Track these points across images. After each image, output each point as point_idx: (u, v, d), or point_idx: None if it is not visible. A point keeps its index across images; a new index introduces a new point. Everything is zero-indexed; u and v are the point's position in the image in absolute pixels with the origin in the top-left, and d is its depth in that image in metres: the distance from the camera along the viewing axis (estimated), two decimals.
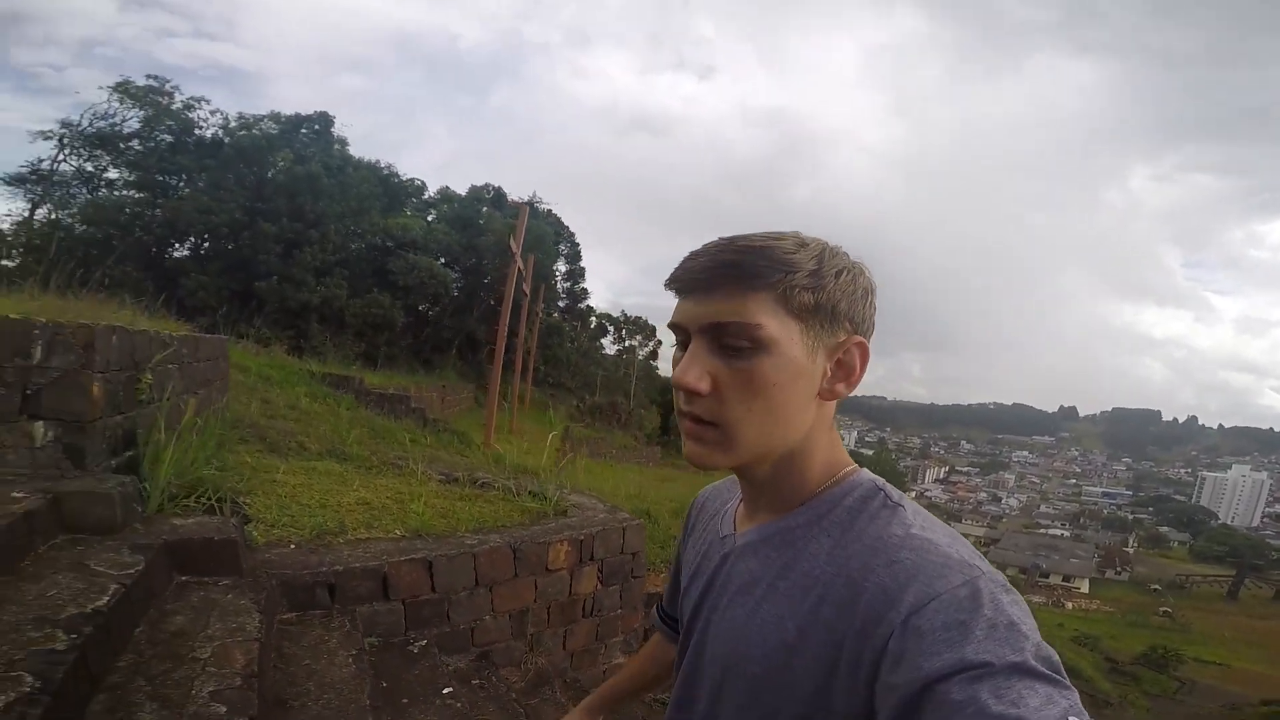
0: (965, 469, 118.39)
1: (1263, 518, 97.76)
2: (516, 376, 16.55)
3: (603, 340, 31.93)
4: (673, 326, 0.69)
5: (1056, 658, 0.52)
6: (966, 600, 0.55)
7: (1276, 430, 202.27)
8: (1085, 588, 46.89)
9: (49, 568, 1.44)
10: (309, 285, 15.93)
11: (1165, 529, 78.67)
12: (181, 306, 12.53)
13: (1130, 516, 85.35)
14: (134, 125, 15.84)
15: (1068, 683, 0.51)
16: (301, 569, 2.08)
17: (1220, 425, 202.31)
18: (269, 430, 4.22)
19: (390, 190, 19.61)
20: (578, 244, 26.46)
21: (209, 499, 2.18)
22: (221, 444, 3.16)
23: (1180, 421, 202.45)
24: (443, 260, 19.17)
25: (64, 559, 1.50)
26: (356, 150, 19.21)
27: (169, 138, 16.07)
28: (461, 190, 22.54)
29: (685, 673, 0.78)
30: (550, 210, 22.81)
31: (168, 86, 16.18)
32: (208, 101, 17.05)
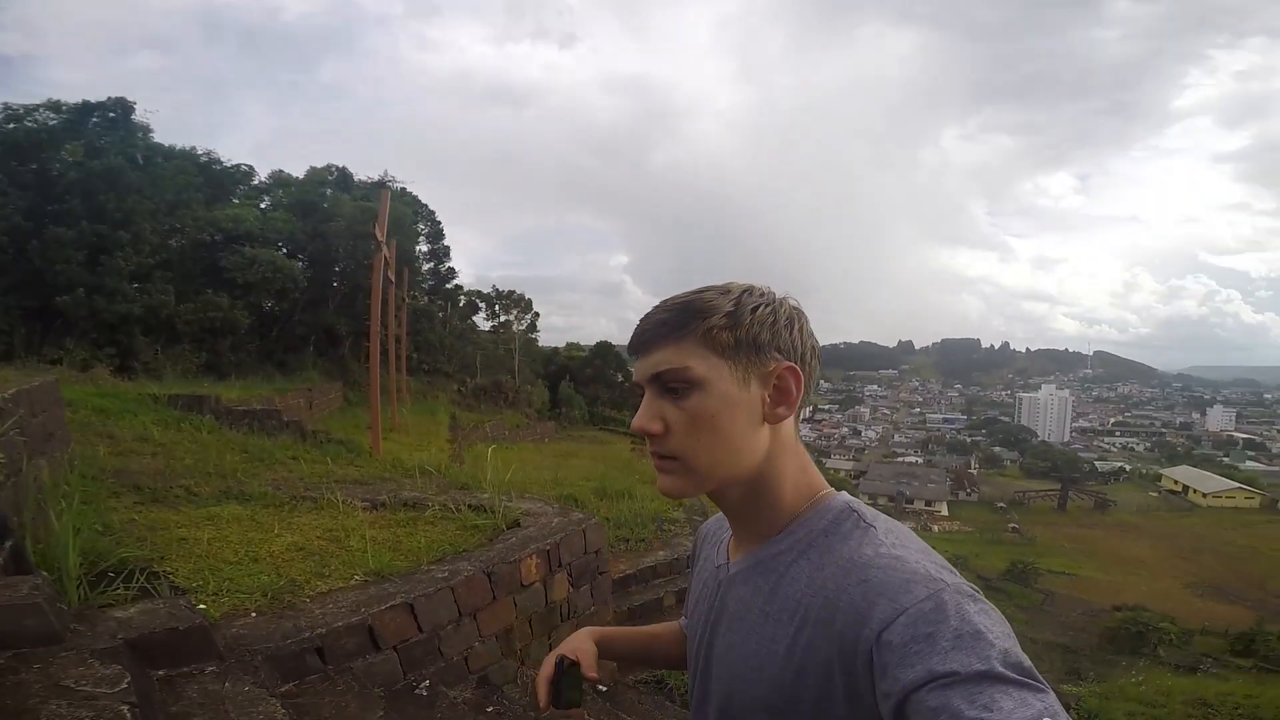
0: (826, 407, 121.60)
1: (1071, 432, 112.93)
2: (392, 369, 15.64)
3: (474, 319, 30.75)
4: (633, 384, 0.79)
5: (1028, 662, 0.55)
6: (932, 613, 0.59)
7: (1070, 351, 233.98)
8: (944, 510, 53.59)
9: (29, 696, 1.25)
10: (126, 293, 13.81)
11: (998, 449, 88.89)
12: None
13: (969, 439, 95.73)
14: None
15: (1043, 684, 0.54)
16: (283, 639, 1.95)
17: (1027, 349, 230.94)
18: (137, 475, 3.72)
19: (212, 179, 17.28)
20: (439, 222, 25.12)
21: (128, 577, 1.92)
22: (90, 502, 2.77)
23: (996, 348, 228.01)
24: (285, 250, 17.41)
25: (34, 683, 1.30)
26: (164, 136, 16.60)
27: None
28: (298, 173, 20.45)
29: (696, 698, 0.84)
30: (405, 189, 21.39)
31: None
32: None
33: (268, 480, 4.64)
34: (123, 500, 3.08)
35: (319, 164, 20.59)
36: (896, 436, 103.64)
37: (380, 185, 19.68)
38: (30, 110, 14.43)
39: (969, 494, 60.59)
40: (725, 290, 0.75)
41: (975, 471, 72.70)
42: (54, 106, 14.70)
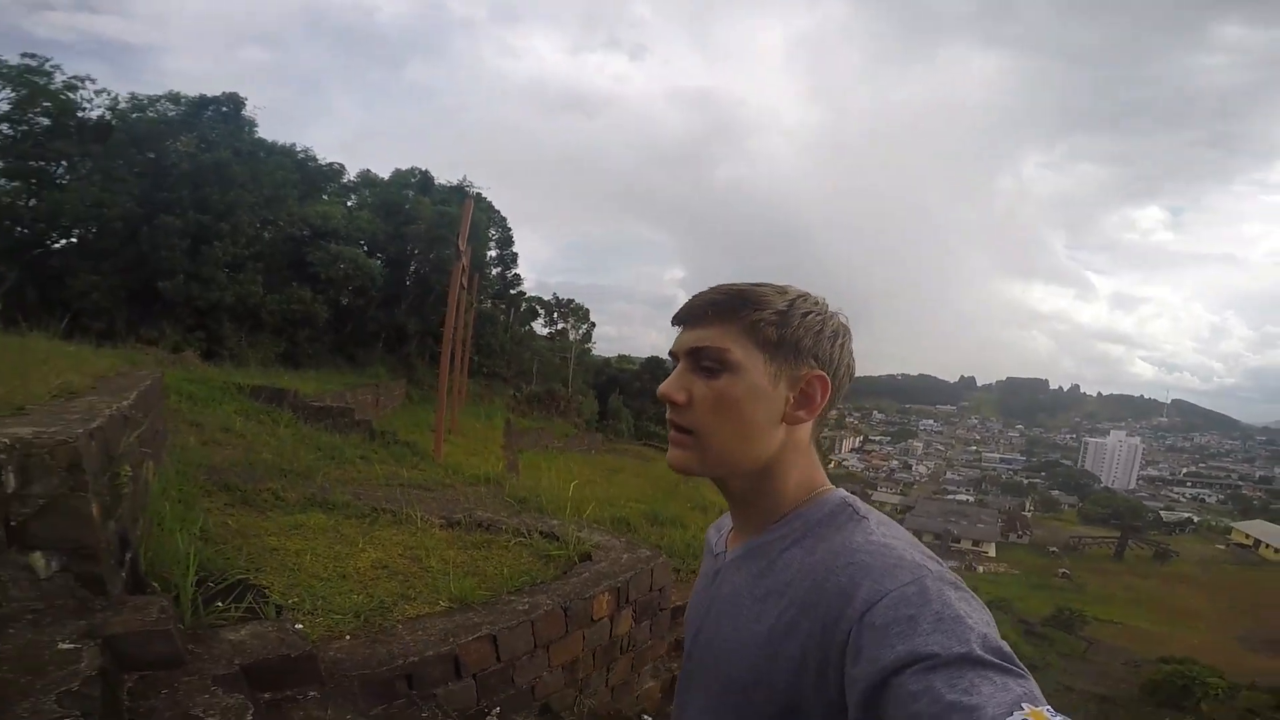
0: (878, 438, 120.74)
1: (1138, 480, 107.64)
2: (455, 372, 16.11)
3: (533, 325, 31.31)
4: (670, 354, 0.81)
5: (1007, 648, 0.56)
6: (915, 596, 0.59)
7: (1145, 397, 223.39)
8: (992, 551, 51.42)
9: None
10: (220, 282, 14.73)
11: (1056, 493, 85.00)
12: (66, 309, 11.30)
13: (1025, 481, 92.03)
14: (3, 107, 13.96)
15: (1023, 670, 0.54)
16: (377, 665, 2.02)
17: (1099, 393, 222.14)
18: (226, 473, 3.95)
19: (307, 175, 18.29)
20: (509, 228, 25.81)
21: (228, 591, 2.03)
22: (185, 502, 2.95)
23: (1065, 390, 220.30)
24: (365, 249, 18.22)
25: (165, 712, 1.38)
26: (266, 131, 17.69)
27: (46, 120, 14.28)
28: (384, 173, 21.39)
29: (681, 681, 0.86)
30: (480, 194, 22.10)
31: (46, 65, 14.30)
32: (92, 80, 14.97)
33: (336, 478, 4.84)
34: (215, 501, 3.28)
35: (402, 165, 21.44)
36: (949, 474, 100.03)
37: (460, 191, 20.40)
38: (153, 101, 15.65)
39: (1020, 536, 58.24)
40: (782, 290, 0.77)
41: (1029, 514, 69.74)
42: (173, 98, 15.89)
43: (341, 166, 20.28)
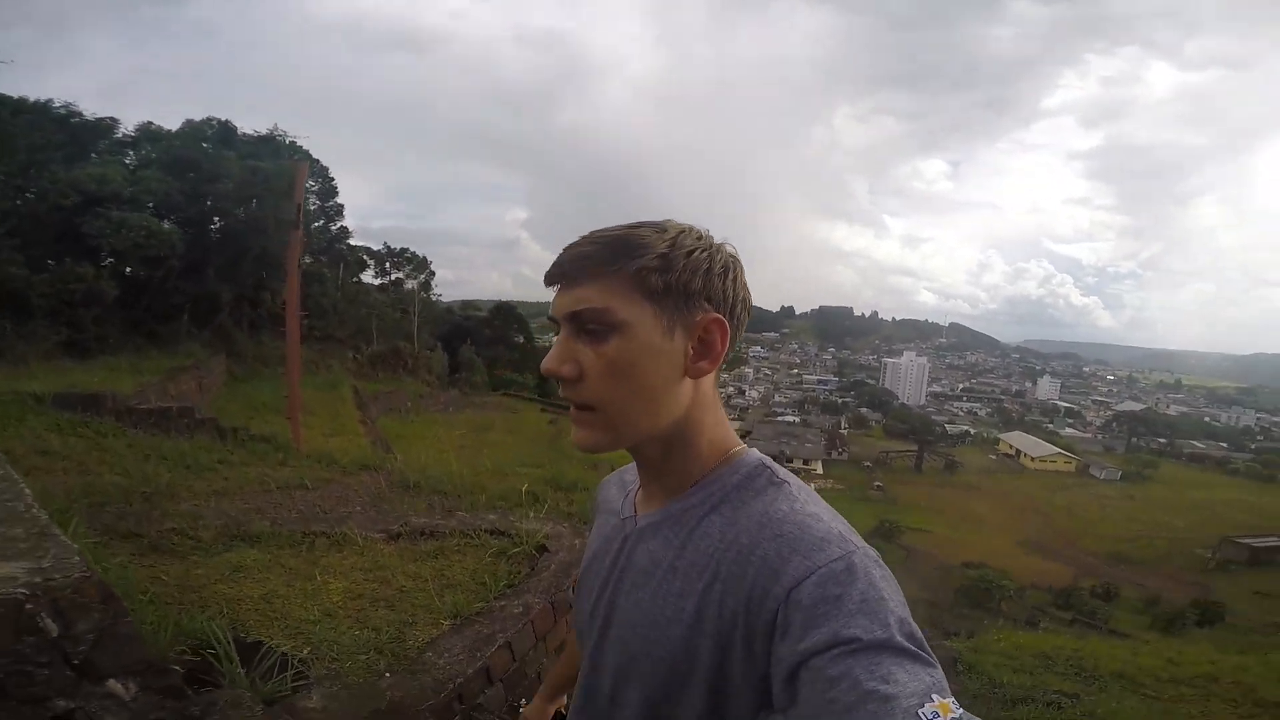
0: None
1: (926, 396, 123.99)
2: (292, 341, 14.81)
3: (362, 276, 28.37)
4: (549, 318, 0.74)
5: (919, 633, 0.57)
6: (842, 574, 0.59)
7: (929, 321, 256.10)
8: (819, 469, 56.97)
9: None
10: None
11: (865, 410, 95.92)
12: None
13: (840, 400, 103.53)
14: None
15: (932, 658, 0.55)
16: (434, 693, 2.16)
17: (894, 318, 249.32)
18: (102, 514, 3.55)
19: (73, 134, 15.07)
20: (332, 179, 23.34)
21: (246, 655, 1.98)
22: (101, 560, 2.71)
23: (866, 316, 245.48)
24: (156, 212, 15.64)
25: None
26: (5, 84, 14.09)
27: None
28: (171, 125, 18.15)
29: (591, 658, 0.80)
30: (295, 142, 19.64)
31: None
32: None
33: (204, 492, 4.49)
34: (120, 551, 2.95)
35: (194, 115, 18.29)
36: (777, 396, 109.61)
37: (270, 141, 18.02)
38: None
39: (840, 453, 65.65)
40: (661, 229, 0.70)
41: (845, 432, 78.75)
42: None
43: (114, 121, 16.92)
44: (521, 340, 39.45)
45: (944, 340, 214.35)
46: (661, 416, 0.71)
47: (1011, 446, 76.64)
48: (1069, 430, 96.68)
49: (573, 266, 0.70)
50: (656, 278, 0.68)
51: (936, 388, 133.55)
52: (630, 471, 0.88)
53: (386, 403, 19.78)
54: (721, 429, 0.76)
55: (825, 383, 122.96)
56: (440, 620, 2.64)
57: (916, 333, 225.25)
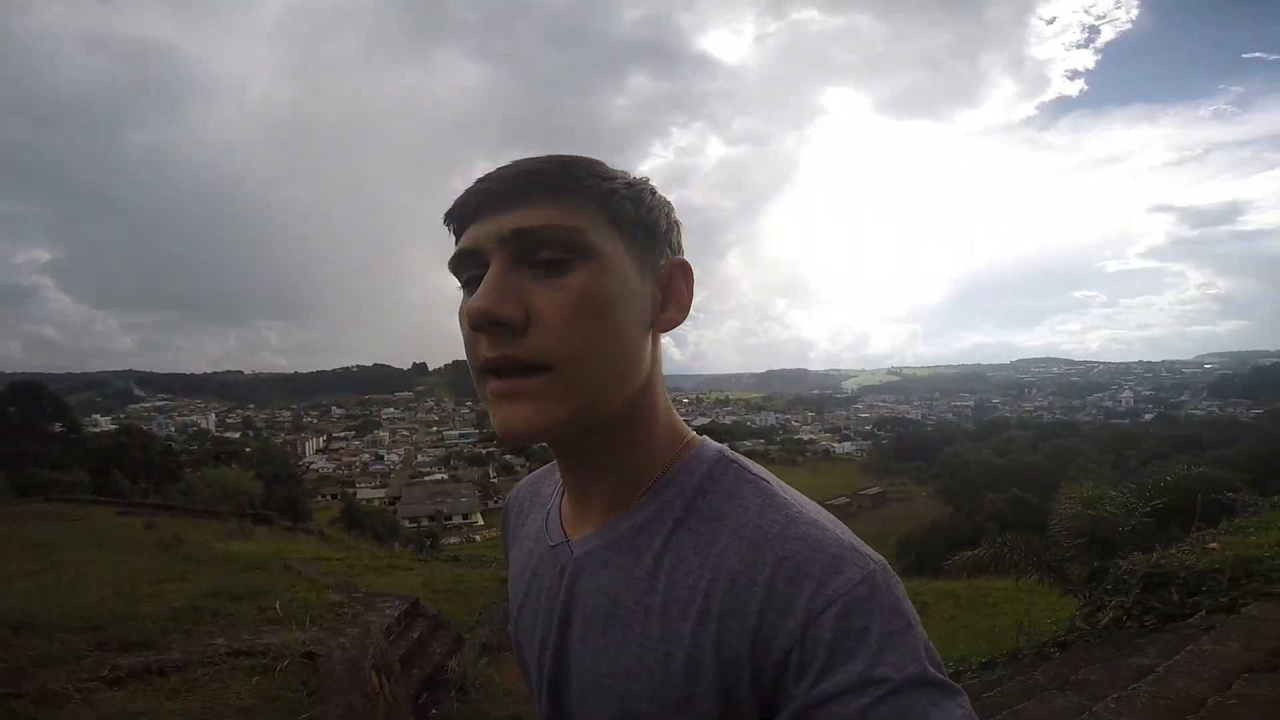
0: (342, 434, 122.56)
1: None
2: None
3: None
4: (460, 257, 0.53)
5: (937, 654, 0.48)
6: (866, 600, 0.47)
7: None
8: (480, 519, 51.84)
9: None
10: None
11: (509, 457, 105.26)
12: None
13: (484, 451, 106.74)
14: None
15: (955, 684, 0.47)
16: None
17: None
18: None
19: None
20: None
21: None
22: None
23: None
24: None
25: None
26: None
27: None
28: None
29: (548, 715, 0.61)
30: None
31: None
32: None
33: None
34: None
35: None
36: (420, 456, 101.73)
37: None
38: None
39: (496, 502, 58.17)
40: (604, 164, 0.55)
41: (496, 480, 72.97)
42: None
43: None
44: (58, 428, 29.22)
45: None
46: (627, 379, 0.53)
47: None
48: None
49: (517, 184, 0.51)
50: (629, 207, 0.53)
51: None
52: (546, 479, 0.71)
53: None
54: (671, 410, 0.59)
55: (467, 435, 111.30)
56: None
57: None
